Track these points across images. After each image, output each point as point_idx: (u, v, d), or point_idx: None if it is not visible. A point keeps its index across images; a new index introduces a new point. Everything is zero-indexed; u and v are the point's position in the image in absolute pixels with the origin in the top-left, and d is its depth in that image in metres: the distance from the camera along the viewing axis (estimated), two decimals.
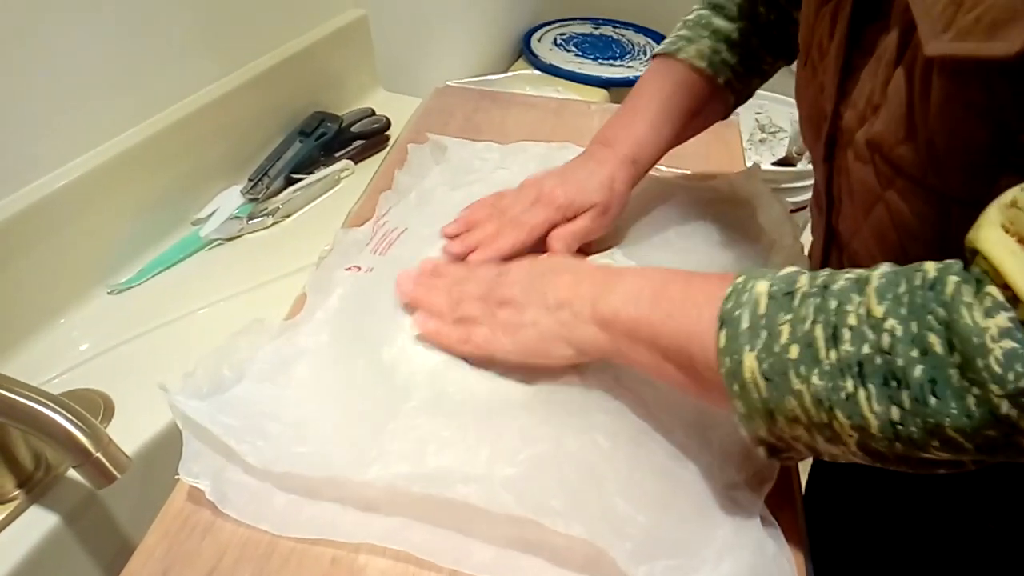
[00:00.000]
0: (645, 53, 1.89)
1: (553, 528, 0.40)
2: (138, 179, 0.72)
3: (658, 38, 1.95)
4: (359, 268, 0.60)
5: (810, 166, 1.46)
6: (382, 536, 0.43)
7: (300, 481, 0.44)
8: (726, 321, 0.37)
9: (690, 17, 0.62)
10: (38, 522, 0.51)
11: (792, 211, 1.57)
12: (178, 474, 0.45)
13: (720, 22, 0.60)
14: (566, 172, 0.61)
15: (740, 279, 0.38)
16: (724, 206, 0.69)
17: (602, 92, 1.74)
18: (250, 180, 0.83)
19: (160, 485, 0.47)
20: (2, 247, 0.60)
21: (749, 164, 0.74)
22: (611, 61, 1.85)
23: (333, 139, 0.90)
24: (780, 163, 1.60)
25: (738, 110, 0.68)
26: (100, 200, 0.68)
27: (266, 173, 0.83)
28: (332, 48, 0.97)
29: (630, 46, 1.93)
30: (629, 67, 1.83)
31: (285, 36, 0.91)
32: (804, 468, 0.55)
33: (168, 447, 0.55)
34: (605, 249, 0.63)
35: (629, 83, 1.76)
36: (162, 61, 0.74)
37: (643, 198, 0.72)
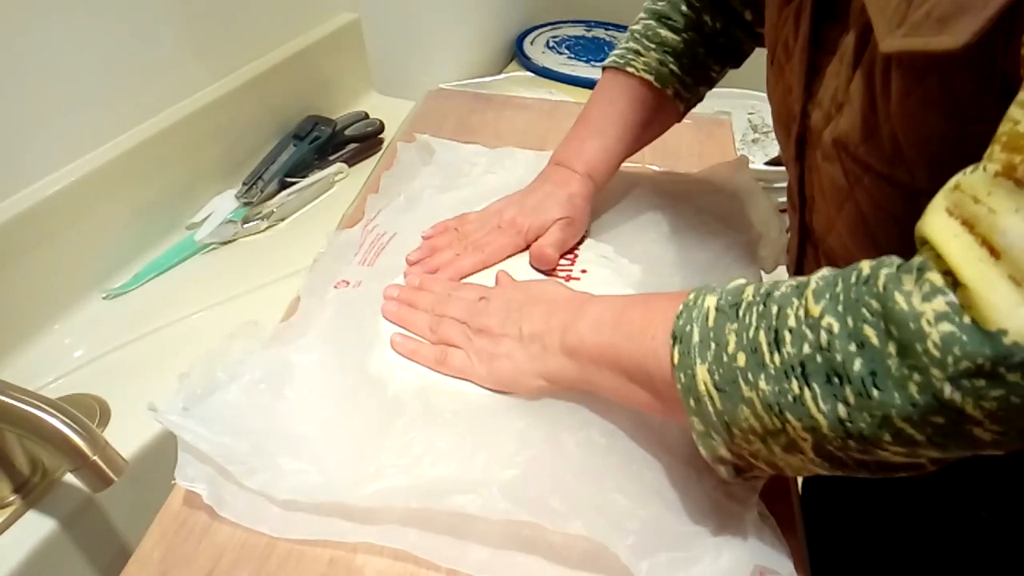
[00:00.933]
0: None
1: (553, 528, 0.40)
2: (132, 184, 0.72)
3: None
4: (347, 283, 0.60)
5: None
6: (380, 536, 0.43)
7: (299, 504, 0.44)
8: (679, 337, 0.37)
9: (637, 27, 0.64)
10: (35, 527, 0.51)
11: (783, 210, 1.58)
12: (174, 479, 0.45)
13: (666, 33, 0.62)
14: (525, 198, 0.63)
15: (691, 296, 0.39)
16: (713, 198, 0.70)
17: None
18: (244, 184, 0.83)
19: (157, 489, 0.47)
20: None
21: (740, 159, 0.75)
22: (604, 63, 1.86)
23: (327, 143, 0.90)
24: (772, 162, 1.60)
25: (730, 110, 0.69)
26: (94, 205, 0.68)
27: (260, 177, 0.84)
28: (325, 52, 0.97)
29: None
30: None
31: (278, 40, 0.91)
32: None
33: (164, 451, 0.55)
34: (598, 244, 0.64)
35: None
36: (156, 66, 0.74)
37: (634, 193, 0.73)
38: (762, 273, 0.64)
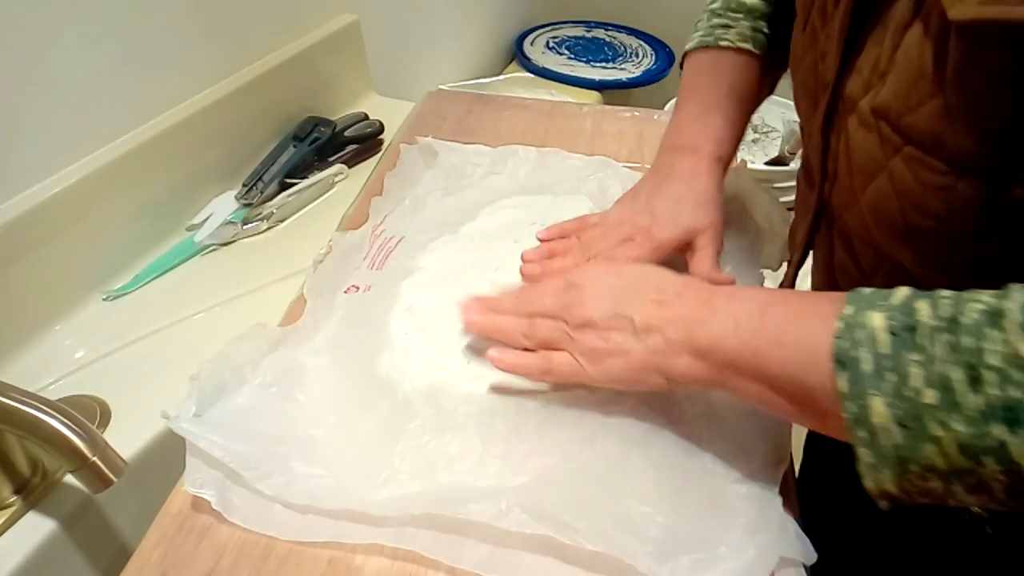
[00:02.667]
0: (637, 55, 1.90)
1: (570, 543, 0.40)
2: (132, 185, 0.72)
3: (650, 40, 1.96)
4: (357, 288, 0.60)
5: None
6: (391, 538, 0.43)
7: (314, 509, 0.44)
8: (844, 363, 0.34)
9: (715, 5, 0.61)
10: (35, 528, 0.51)
11: (788, 208, 1.58)
12: (184, 485, 0.45)
13: (751, 1, 0.59)
14: (653, 203, 0.56)
15: (849, 310, 0.35)
16: None
17: (595, 94, 1.74)
18: (244, 185, 0.83)
19: (157, 490, 0.47)
20: None
21: (740, 164, 0.75)
22: (603, 63, 1.86)
23: (327, 144, 0.90)
24: (773, 162, 1.60)
25: None
26: (94, 206, 0.68)
27: (260, 178, 0.84)
28: (325, 53, 0.97)
29: (622, 48, 1.94)
30: (621, 69, 1.84)
31: (278, 42, 0.91)
32: (798, 459, 0.55)
33: (164, 452, 0.56)
34: None
35: (621, 85, 1.78)
36: (156, 67, 0.74)
37: None
38: (765, 274, 0.63)
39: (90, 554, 0.54)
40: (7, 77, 0.60)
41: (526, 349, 0.49)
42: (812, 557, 0.40)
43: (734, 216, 0.68)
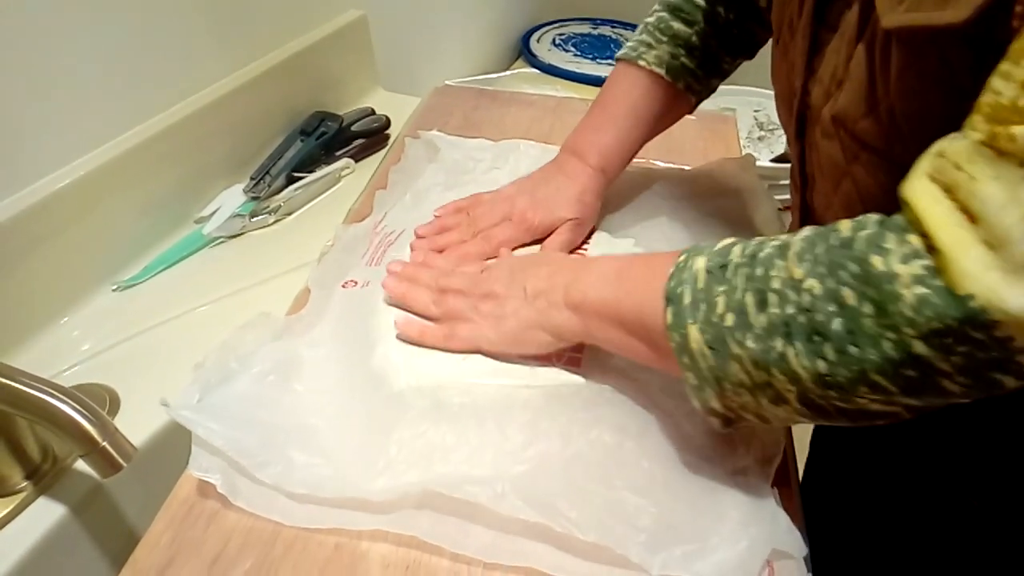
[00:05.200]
0: None
1: (563, 531, 0.40)
2: (142, 178, 0.73)
3: None
4: (355, 283, 0.60)
5: None
6: (391, 523, 0.43)
7: (312, 498, 0.45)
8: (671, 298, 0.39)
9: (651, 20, 0.63)
10: (46, 513, 0.52)
11: (786, 208, 1.58)
12: (189, 469, 0.45)
13: (679, 26, 0.61)
14: (536, 190, 0.63)
15: (682, 257, 0.40)
16: (718, 198, 0.70)
17: None
18: (252, 179, 0.84)
19: (165, 477, 0.48)
20: (8, 246, 0.61)
21: (746, 158, 0.75)
22: (609, 61, 1.86)
23: (334, 138, 0.91)
24: (778, 160, 1.60)
25: (736, 107, 0.69)
26: (104, 199, 0.69)
27: (268, 172, 0.84)
28: (332, 49, 0.97)
29: None
30: None
31: (285, 37, 0.92)
32: (801, 457, 0.56)
33: (173, 440, 0.56)
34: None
35: None
36: (165, 61, 0.74)
37: (641, 190, 0.73)
38: None
39: (100, 539, 0.55)
40: (17, 72, 0.60)
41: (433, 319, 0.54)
42: (803, 550, 0.41)
43: (732, 215, 0.68)
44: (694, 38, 0.61)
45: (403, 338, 0.53)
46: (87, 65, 0.66)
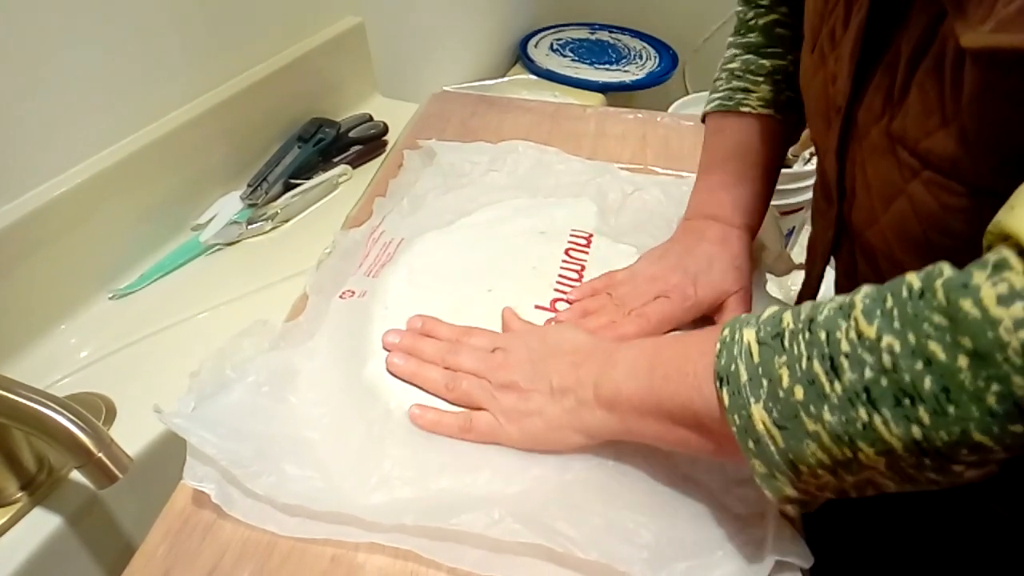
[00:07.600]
0: (641, 57, 1.90)
1: (564, 551, 0.40)
2: (138, 185, 0.73)
3: (653, 43, 1.97)
4: (353, 293, 0.60)
5: (807, 167, 1.47)
6: (386, 539, 0.43)
7: (304, 510, 0.44)
8: (724, 378, 0.36)
9: (733, 65, 0.61)
10: (41, 524, 0.51)
11: (790, 212, 1.58)
12: (183, 478, 0.45)
13: (772, 62, 0.59)
14: (687, 263, 0.57)
15: (726, 331, 0.37)
16: None
17: (598, 96, 1.75)
18: (249, 186, 0.84)
19: (161, 487, 0.48)
20: (3, 254, 0.61)
21: None
22: (607, 66, 1.86)
23: (331, 144, 0.91)
24: None
25: None
26: (100, 206, 0.69)
27: (265, 178, 0.84)
28: (329, 55, 0.97)
29: (626, 51, 1.94)
30: (625, 71, 1.84)
31: (283, 44, 0.92)
32: None
33: (169, 450, 0.56)
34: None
35: (625, 87, 1.78)
36: (161, 69, 0.74)
37: (638, 196, 0.73)
38: (769, 277, 0.63)
39: (95, 550, 0.54)
40: (13, 79, 0.60)
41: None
42: (809, 560, 0.40)
43: None
44: (791, 67, 0.59)
45: (417, 425, 0.50)
46: (83, 72, 0.66)
